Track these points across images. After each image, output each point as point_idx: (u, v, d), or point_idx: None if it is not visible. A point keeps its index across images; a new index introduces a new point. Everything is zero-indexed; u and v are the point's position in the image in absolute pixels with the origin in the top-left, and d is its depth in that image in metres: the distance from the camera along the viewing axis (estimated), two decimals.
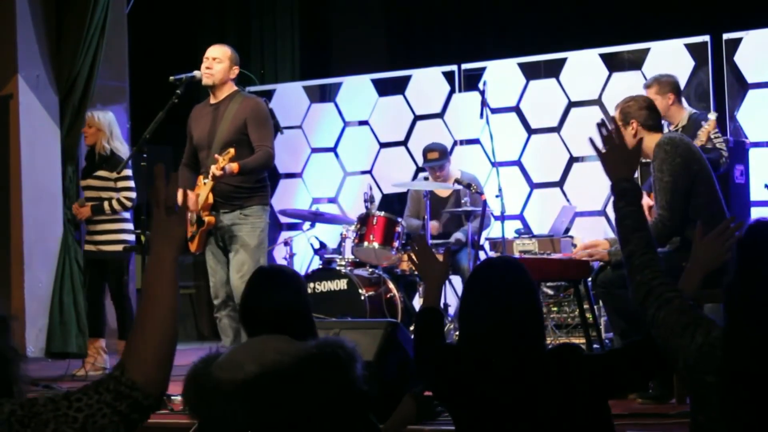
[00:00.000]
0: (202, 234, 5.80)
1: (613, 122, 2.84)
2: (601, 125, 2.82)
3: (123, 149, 7.00)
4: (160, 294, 2.02)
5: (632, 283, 2.60)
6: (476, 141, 8.55)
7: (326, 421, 2.70)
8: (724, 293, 2.37)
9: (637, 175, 5.95)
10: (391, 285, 7.15)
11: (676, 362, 2.44)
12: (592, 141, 2.86)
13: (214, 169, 5.56)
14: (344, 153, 9.19)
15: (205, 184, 5.74)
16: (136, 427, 1.96)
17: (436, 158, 7.50)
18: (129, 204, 6.98)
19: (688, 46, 7.82)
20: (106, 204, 6.89)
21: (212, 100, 5.90)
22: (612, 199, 2.76)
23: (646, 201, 5.94)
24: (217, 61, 5.83)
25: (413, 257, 3.23)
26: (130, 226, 7.07)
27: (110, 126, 6.98)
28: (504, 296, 2.80)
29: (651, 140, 4.82)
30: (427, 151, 7.59)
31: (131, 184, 6.97)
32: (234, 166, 5.57)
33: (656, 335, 2.50)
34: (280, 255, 8.62)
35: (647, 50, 8.00)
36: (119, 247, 6.93)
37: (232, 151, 5.57)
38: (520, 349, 2.76)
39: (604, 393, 2.77)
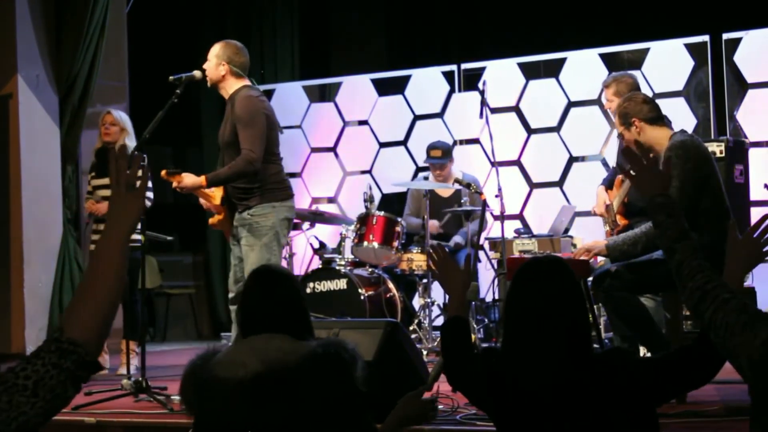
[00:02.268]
0: (222, 221, 5.82)
1: (636, 145, 2.86)
2: (626, 151, 2.83)
3: None
4: (107, 264, 2.11)
5: (685, 290, 2.61)
6: (476, 141, 8.55)
7: (327, 420, 2.70)
8: None
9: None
10: (390, 285, 7.15)
11: (739, 362, 2.44)
12: (621, 167, 2.88)
13: (174, 185, 5.56)
14: (344, 153, 9.19)
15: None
16: (81, 384, 2.02)
17: (439, 156, 7.51)
18: (148, 204, 6.96)
19: (687, 45, 7.82)
20: None
21: (226, 98, 5.88)
22: (603, 202, 2.79)
23: (604, 196, 5.94)
24: (207, 62, 5.80)
25: (432, 266, 3.18)
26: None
27: (130, 126, 7.04)
28: (549, 293, 2.75)
29: (656, 133, 4.78)
30: (430, 148, 7.60)
31: (149, 184, 6.97)
32: (201, 180, 5.55)
33: (715, 337, 2.49)
34: None
35: (647, 50, 8.00)
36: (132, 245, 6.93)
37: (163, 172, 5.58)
38: (568, 350, 2.72)
39: (652, 399, 2.74)
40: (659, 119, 4.84)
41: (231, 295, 5.85)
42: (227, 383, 2.77)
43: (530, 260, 2.98)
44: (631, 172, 2.84)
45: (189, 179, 5.53)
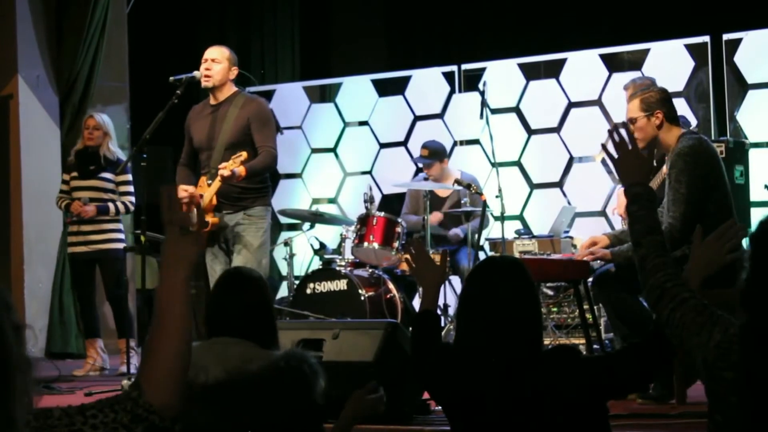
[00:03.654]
0: (205, 235, 5.79)
1: (625, 127, 2.83)
2: (613, 131, 2.80)
3: (120, 152, 7.10)
4: (173, 315, 1.99)
5: (645, 286, 2.61)
6: (476, 141, 8.54)
7: (284, 431, 2.69)
8: (740, 290, 2.38)
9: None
10: (391, 285, 7.15)
11: (694, 361, 2.46)
12: (604, 147, 2.85)
13: (222, 172, 5.53)
14: (344, 153, 9.19)
15: (209, 185, 5.73)
16: None
17: (426, 156, 7.55)
18: (131, 208, 7.02)
19: (687, 46, 7.82)
20: (112, 206, 6.92)
21: (212, 101, 5.88)
22: (625, 203, 2.77)
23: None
24: (216, 62, 5.81)
25: (410, 260, 3.21)
26: (122, 226, 7.11)
27: (113, 129, 7.06)
28: (503, 294, 2.80)
29: (671, 133, 4.78)
30: (421, 147, 7.64)
31: (132, 188, 7.01)
32: (242, 170, 5.56)
33: (672, 336, 2.51)
34: (279, 255, 8.62)
35: (647, 51, 8.00)
36: (119, 246, 6.95)
37: (244, 154, 5.55)
38: (517, 348, 2.76)
39: (601, 395, 2.78)
40: (676, 119, 4.84)
41: None
42: (189, 387, 2.77)
43: (487, 258, 3.05)
44: (614, 155, 2.81)
45: (237, 169, 5.59)
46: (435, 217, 7.42)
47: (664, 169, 5.33)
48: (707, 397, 2.44)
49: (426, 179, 7.68)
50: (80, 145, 7.09)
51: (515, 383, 2.73)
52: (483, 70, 8.49)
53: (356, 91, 9.15)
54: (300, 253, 8.22)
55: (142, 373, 1.98)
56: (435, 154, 7.58)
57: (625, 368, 2.78)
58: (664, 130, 4.77)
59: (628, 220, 2.73)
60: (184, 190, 5.68)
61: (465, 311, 2.89)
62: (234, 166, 5.51)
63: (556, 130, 8.28)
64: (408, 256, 3.19)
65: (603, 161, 8.03)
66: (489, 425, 2.75)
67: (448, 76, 8.71)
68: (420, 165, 7.71)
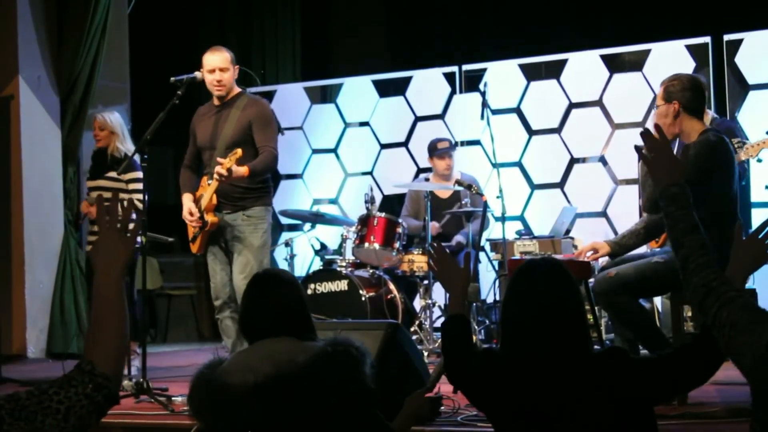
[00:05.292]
0: (205, 235, 5.80)
1: (656, 129, 2.81)
2: (645, 134, 2.80)
3: (132, 149, 7.02)
4: (113, 305, 2.26)
5: (689, 285, 2.60)
6: (477, 142, 8.55)
7: (340, 417, 2.70)
8: None
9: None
10: (391, 286, 7.15)
11: (742, 360, 2.43)
12: (638, 149, 2.84)
13: (218, 170, 5.51)
14: (345, 154, 9.19)
15: (209, 185, 5.74)
16: (104, 415, 2.20)
17: (447, 147, 7.58)
18: (141, 206, 6.98)
19: (688, 47, 7.82)
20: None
21: (216, 102, 5.88)
22: (661, 205, 2.75)
23: None
24: (224, 71, 5.80)
25: (432, 265, 3.20)
26: None
27: (122, 127, 6.97)
28: (549, 297, 2.77)
29: (690, 125, 4.76)
30: (437, 141, 7.67)
31: (140, 186, 6.97)
32: (244, 170, 5.54)
33: (719, 335, 2.48)
34: (280, 256, 8.62)
35: (648, 51, 8.00)
36: None
37: (239, 151, 5.53)
38: (566, 351, 2.73)
39: (651, 397, 2.75)
40: (698, 112, 4.81)
41: (218, 302, 5.85)
42: (239, 389, 2.77)
43: (528, 261, 2.99)
44: (646, 154, 2.80)
45: (238, 168, 5.58)
46: (433, 229, 7.40)
47: None
48: (752, 397, 2.40)
49: (427, 179, 7.68)
50: (96, 147, 7.10)
51: (567, 387, 2.69)
52: (484, 70, 8.49)
53: (357, 91, 9.15)
54: (301, 254, 8.23)
55: (92, 351, 2.22)
56: (453, 145, 7.72)
57: (677, 371, 2.73)
58: (682, 120, 4.75)
59: (668, 220, 2.72)
60: (189, 214, 5.74)
61: (509, 317, 2.84)
62: (229, 163, 5.50)
63: (557, 130, 8.28)
64: (431, 261, 3.18)
65: (602, 160, 8.03)
66: (539, 429, 2.72)
67: (449, 77, 8.72)
68: (436, 158, 7.65)
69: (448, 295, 3.21)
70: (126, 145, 6.90)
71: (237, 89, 5.90)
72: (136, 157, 6.65)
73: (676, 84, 4.79)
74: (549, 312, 2.74)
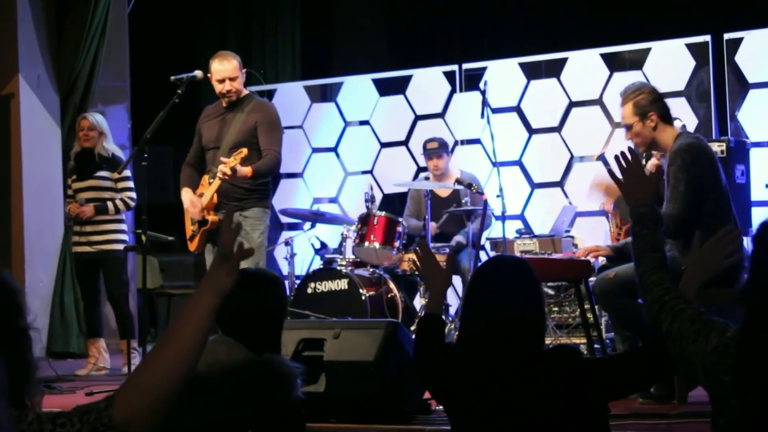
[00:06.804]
0: (204, 233, 5.81)
1: (630, 152, 2.90)
2: (620, 157, 2.89)
3: (116, 150, 7.10)
4: (182, 336, 1.94)
5: (645, 302, 2.68)
6: (477, 141, 8.55)
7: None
8: (740, 292, 2.42)
9: None
10: (392, 285, 7.15)
11: (695, 369, 2.49)
12: (611, 172, 2.91)
13: (222, 169, 5.53)
14: (345, 153, 9.19)
15: (210, 183, 5.75)
16: None
17: (435, 147, 7.55)
18: (132, 204, 7.01)
19: (689, 45, 7.82)
20: (110, 204, 6.91)
21: (224, 104, 5.89)
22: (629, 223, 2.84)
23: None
24: (234, 81, 5.81)
25: (416, 263, 3.24)
26: (125, 226, 7.10)
27: (107, 128, 7.06)
28: (507, 294, 2.80)
29: (666, 133, 4.78)
30: (426, 141, 7.67)
31: (132, 184, 7.01)
32: (247, 170, 5.56)
33: (673, 347, 2.56)
34: (280, 255, 8.62)
35: (648, 50, 8.00)
36: (120, 247, 6.95)
37: (244, 151, 5.55)
38: (519, 347, 2.76)
39: (599, 396, 2.78)
40: (669, 119, 4.84)
41: None
42: None
43: (491, 258, 3.05)
44: (619, 177, 2.87)
45: (242, 168, 5.60)
46: (433, 229, 7.39)
47: (649, 165, 5.34)
48: (710, 401, 2.45)
49: (427, 179, 7.68)
50: (77, 148, 7.10)
51: (515, 383, 2.73)
52: (484, 69, 8.49)
53: (357, 90, 9.15)
54: (301, 253, 8.22)
55: (122, 386, 1.91)
56: (443, 145, 7.63)
57: (625, 372, 2.80)
58: (660, 131, 4.78)
59: (632, 239, 2.81)
60: (193, 205, 5.75)
61: (468, 311, 2.89)
62: (234, 162, 5.51)
63: (557, 129, 8.28)
64: (414, 257, 3.21)
65: (602, 159, 8.03)
66: (489, 425, 2.75)
67: (449, 76, 8.71)
68: (425, 158, 7.66)
69: (428, 293, 3.25)
70: (110, 145, 7.02)
71: (245, 91, 5.94)
72: (125, 155, 6.72)
73: (644, 96, 4.78)
74: (506, 309, 2.78)
